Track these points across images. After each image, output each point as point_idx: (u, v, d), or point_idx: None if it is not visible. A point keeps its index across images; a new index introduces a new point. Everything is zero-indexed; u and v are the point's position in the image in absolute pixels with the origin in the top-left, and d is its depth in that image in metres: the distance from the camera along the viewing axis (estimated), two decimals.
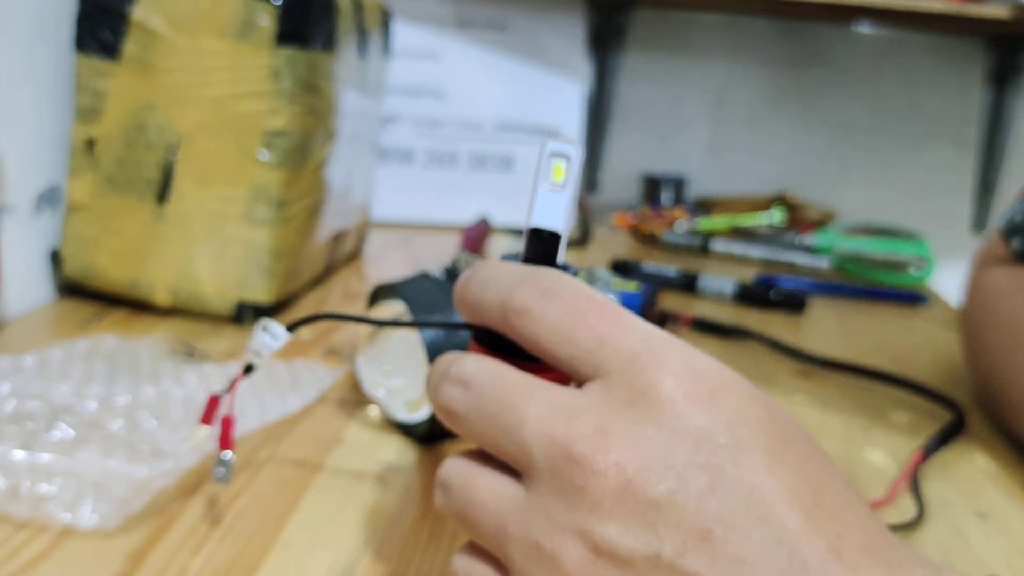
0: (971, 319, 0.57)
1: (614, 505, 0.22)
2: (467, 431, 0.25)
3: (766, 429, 0.23)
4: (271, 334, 0.35)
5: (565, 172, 0.26)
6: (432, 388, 0.26)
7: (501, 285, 0.25)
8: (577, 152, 0.26)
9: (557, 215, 0.26)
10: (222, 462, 0.34)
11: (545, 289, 0.25)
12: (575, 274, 0.27)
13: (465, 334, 0.42)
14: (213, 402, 0.35)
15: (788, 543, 0.21)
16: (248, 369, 0.35)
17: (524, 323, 0.24)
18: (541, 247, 0.27)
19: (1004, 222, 0.56)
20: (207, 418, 0.35)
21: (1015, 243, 0.54)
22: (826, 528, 0.21)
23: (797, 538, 0.21)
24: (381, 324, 0.36)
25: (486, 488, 0.24)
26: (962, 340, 0.59)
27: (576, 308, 0.24)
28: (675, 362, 0.23)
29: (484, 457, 0.25)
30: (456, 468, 0.25)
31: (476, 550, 0.25)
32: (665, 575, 0.21)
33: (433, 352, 0.41)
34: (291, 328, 0.35)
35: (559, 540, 0.22)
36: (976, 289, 0.57)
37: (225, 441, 0.34)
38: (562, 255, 0.27)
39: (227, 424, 0.35)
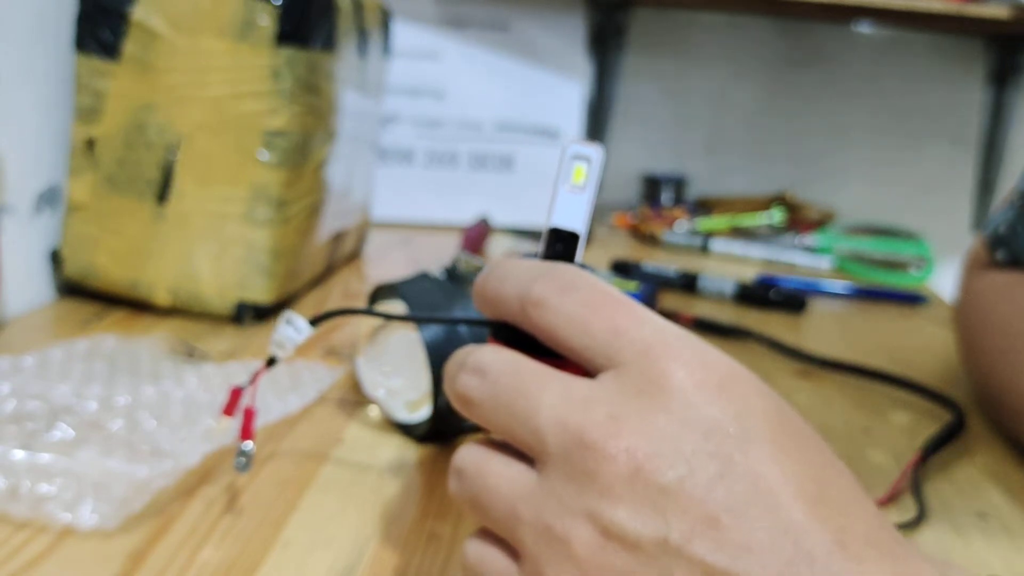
0: (965, 322, 0.57)
1: (624, 490, 0.22)
2: (482, 418, 0.26)
3: (773, 421, 0.23)
4: (294, 327, 0.35)
5: (585, 174, 0.27)
6: (449, 378, 0.27)
7: (520, 279, 0.26)
8: (598, 154, 0.27)
9: (577, 216, 0.27)
10: (243, 452, 0.34)
11: (563, 283, 0.25)
12: (592, 273, 0.27)
13: (466, 335, 0.42)
14: (236, 394, 0.35)
15: (794, 533, 0.21)
16: (271, 362, 0.36)
17: (541, 314, 0.25)
18: (560, 247, 0.27)
19: (989, 232, 0.57)
20: (229, 409, 0.35)
21: (999, 255, 0.55)
22: (831, 520, 0.22)
23: (803, 528, 0.21)
24: (399, 319, 0.36)
25: (499, 473, 0.25)
26: (957, 343, 0.59)
27: (592, 301, 0.25)
28: (686, 354, 0.24)
29: (498, 445, 0.26)
30: (470, 455, 0.26)
31: (488, 535, 0.26)
32: (672, 559, 0.22)
33: (433, 352, 0.41)
34: (314, 322, 0.35)
35: (570, 523, 0.23)
36: (968, 292, 0.57)
37: (246, 432, 0.35)
38: (580, 255, 0.27)
39: (248, 415, 0.35)
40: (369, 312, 0.35)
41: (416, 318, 0.37)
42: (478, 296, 0.28)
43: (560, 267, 0.26)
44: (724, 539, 0.21)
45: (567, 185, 0.27)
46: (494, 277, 0.27)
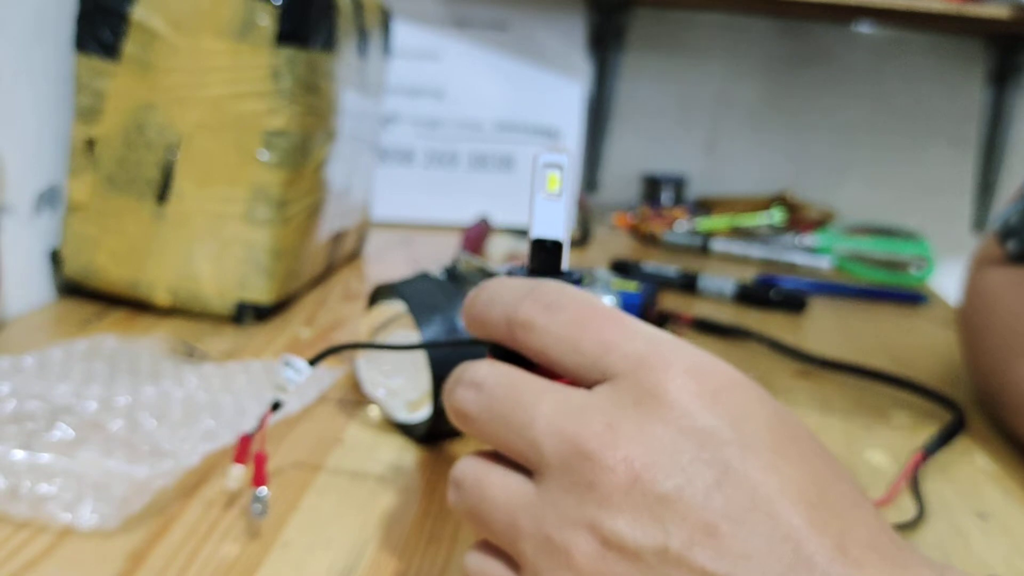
0: (969, 320, 0.57)
1: (623, 499, 0.22)
2: (480, 432, 0.26)
3: (771, 428, 0.23)
4: (294, 368, 0.36)
5: (559, 182, 0.27)
6: (447, 394, 0.27)
7: (506, 301, 0.26)
8: (568, 161, 0.27)
9: (557, 223, 0.27)
10: (258, 498, 0.34)
11: (548, 302, 0.25)
12: (580, 280, 0.27)
13: (467, 335, 0.42)
14: (245, 441, 0.36)
15: (793, 539, 0.21)
16: (276, 406, 0.36)
17: (530, 336, 0.25)
18: (545, 256, 0.27)
19: (999, 224, 0.57)
20: (240, 457, 0.35)
21: (1010, 245, 0.54)
22: (831, 525, 0.22)
23: (802, 535, 0.21)
24: (402, 349, 0.36)
25: (498, 485, 0.25)
26: (960, 341, 0.59)
27: (580, 318, 0.25)
28: (681, 363, 0.24)
29: (496, 457, 0.26)
30: (469, 467, 0.26)
31: (488, 547, 0.26)
32: (673, 568, 0.22)
33: (434, 353, 0.41)
34: (313, 362, 0.36)
35: (570, 534, 0.23)
36: (974, 290, 0.57)
37: (259, 478, 0.35)
38: (566, 261, 0.28)
39: (260, 461, 0.35)
40: (369, 346, 0.36)
41: (422, 346, 0.37)
42: (467, 319, 0.28)
43: (545, 285, 0.26)
44: (724, 547, 0.21)
45: (543, 194, 0.27)
46: (480, 300, 0.27)
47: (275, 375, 0.36)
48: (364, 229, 0.82)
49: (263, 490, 0.34)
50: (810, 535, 0.21)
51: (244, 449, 0.35)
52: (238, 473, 0.35)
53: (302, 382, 0.36)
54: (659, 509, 0.22)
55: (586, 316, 0.25)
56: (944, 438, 0.50)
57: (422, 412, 0.44)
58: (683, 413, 0.23)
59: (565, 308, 0.25)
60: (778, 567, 0.21)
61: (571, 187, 0.27)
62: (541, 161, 0.27)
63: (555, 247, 0.27)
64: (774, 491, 0.22)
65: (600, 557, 0.22)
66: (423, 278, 0.46)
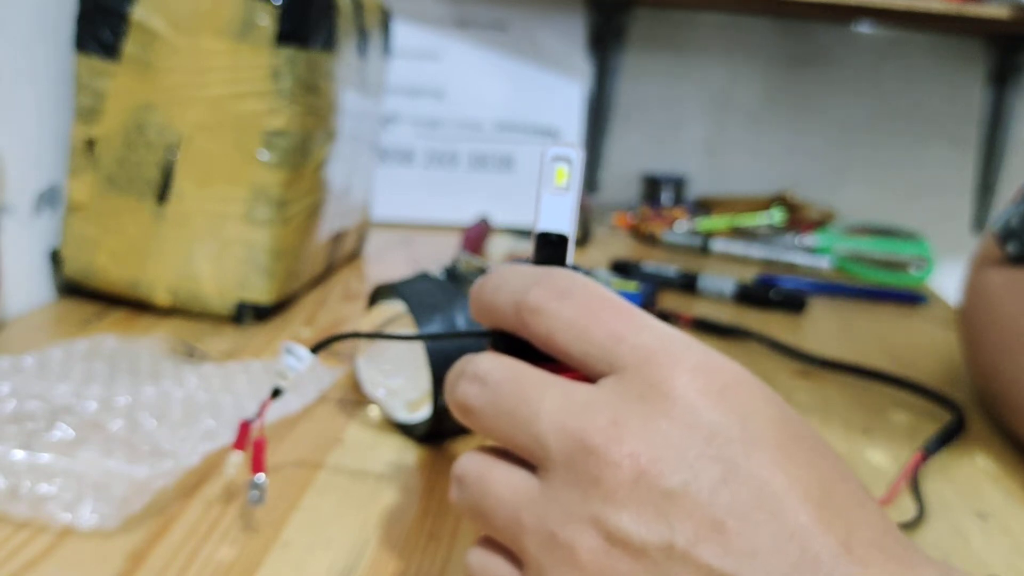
0: (969, 320, 0.57)
1: (628, 495, 0.22)
2: (483, 426, 0.25)
3: (776, 426, 0.23)
4: (296, 356, 0.36)
5: (568, 175, 0.27)
6: (450, 387, 0.27)
7: (515, 286, 0.26)
8: (578, 155, 0.27)
9: (563, 218, 0.27)
10: (256, 485, 0.34)
11: (560, 289, 0.25)
12: (587, 274, 0.27)
13: (467, 336, 0.42)
14: (244, 428, 0.36)
15: (800, 537, 0.21)
16: (276, 393, 0.36)
17: (539, 321, 0.25)
18: (550, 250, 0.27)
19: (999, 226, 0.57)
20: (240, 444, 0.35)
21: (1011, 247, 0.54)
22: (837, 524, 0.22)
23: (808, 533, 0.21)
24: (401, 339, 0.36)
25: (501, 481, 0.25)
26: (961, 341, 0.59)
27: (590, 306, 0.25)
28: (688, 359, 0.24)
29: (499, 452, 0.26)
30: (471, 463, 0.26)
31: (491, 544, 0.26)
32: (678, 565, 0.21)
33: (433, 352, 0.41)
34: (315, 349, 0.36)
35: (574, 530, 0.23)
36: (974, 290, 0.57)
37: (258, 464, 0.35)
38: (571, 256, 0.27)
39: (259, 448, 0.35)
40: (370, 335, 0.36)
41: (420, 337, 0.37)
42: (474, 305, 0.27)
43: (555, 272, 0.26)
44: (729, 544, 0.21)
45: (550, 188, 0.27)
46: (489, 286, 0.27)
47: (276, 363, 0.36)
48: (364, 229, 0.82)
49: (261, 476, 0.34)
50: (816, 533, 0.21)
51: (244, 436, 0.35)
52: (237, 460, 0.35)
53: (303, 370, 0.36)
54: (664, 505, 0.22)
55: (596, 305, 0.25)
56: (944, 438, 0.50)
57: (422, 412, 0.44)
58: (689, 410, 0.23)
59: (575, 296, 0.25)
60: (784, 565, 0.21)
61: (578, 181, 0.27)
62: (550, 154, 0.27)
63: (560, 241, 0.27)
64: (780, 489, 0.22)
65: (605, 553, 0.22)
66: (423, 278, 0.46)
